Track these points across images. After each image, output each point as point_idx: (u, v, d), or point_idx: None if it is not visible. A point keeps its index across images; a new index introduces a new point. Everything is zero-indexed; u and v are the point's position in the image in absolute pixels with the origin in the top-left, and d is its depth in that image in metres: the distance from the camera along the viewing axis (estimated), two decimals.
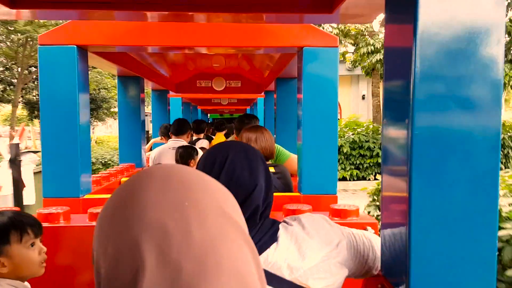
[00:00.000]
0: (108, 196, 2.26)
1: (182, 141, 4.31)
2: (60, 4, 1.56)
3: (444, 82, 1.01)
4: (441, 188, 1.02)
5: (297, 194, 2.55)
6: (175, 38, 2.52)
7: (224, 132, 7.27)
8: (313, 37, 2.50)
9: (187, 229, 0.49)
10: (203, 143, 5.89)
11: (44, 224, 1.95)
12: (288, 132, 4.11)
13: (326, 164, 2.50)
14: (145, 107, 4.39)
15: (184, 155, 3.55)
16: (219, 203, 0.55)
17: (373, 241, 1.29)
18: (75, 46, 2.44)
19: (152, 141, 5.82)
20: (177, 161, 3.55)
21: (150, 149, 5.74)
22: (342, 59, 12.93)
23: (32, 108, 17.17)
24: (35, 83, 16.46)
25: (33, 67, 15.57)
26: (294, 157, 3.32)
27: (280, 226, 1.17)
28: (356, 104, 23.32)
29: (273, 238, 1.12)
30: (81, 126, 2.47)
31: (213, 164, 1.17)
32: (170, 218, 0.49)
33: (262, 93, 5.87)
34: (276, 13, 1.66)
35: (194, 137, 6.17)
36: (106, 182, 3.12)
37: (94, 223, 1.95)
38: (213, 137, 6.98)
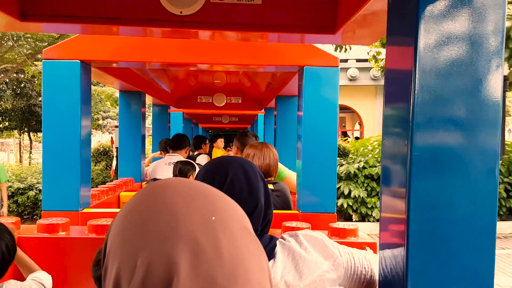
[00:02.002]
0: (108, 210, 2.26)
1: (179, 156, 4.32)
2: (67, 18, 1.58)
3: (444, 104, 1.02)
4: (439, 209, 1.03)
5: (296, 212, 2.55)
6: (177, 55, 2.55)
7: (221, 141, 7.31)
8: (314, 57, 2.53)
9: (217, 243, 0.50)
10: (203, 158, 5.89)
11: (44, 235, 1.96)
12: (288, 149, 4.12)
13: (325, 182, 2.51)
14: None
15: (183, 170, 3.55)
16: (239, 218, 0.57)
17: (373, 263, 1.28)
18: (79, 61, 2.47)
19: (151, 155, 5.83)
20: (175, 176, 3.54)
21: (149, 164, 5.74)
22: (373, 61, 10.84)
23: (3, 118, 15.69)
24: (18, 90, 15.14)
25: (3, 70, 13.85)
26: (292, 175, 3.32)
27: (278, 242, 1.17)
28: (382, 119, 19.99)
29: (271, 255, 1.12)
30: (82, 140, 2.48)
31: (212, 183, 1.14)
32: (200, 232, 0.51)
33: (263, 110, 5.89)
34: (279, 33, 1.69)
35: (196, 152, 6.17)
36: (105, 196, 3.11)
37: (93, 235, 1.96)
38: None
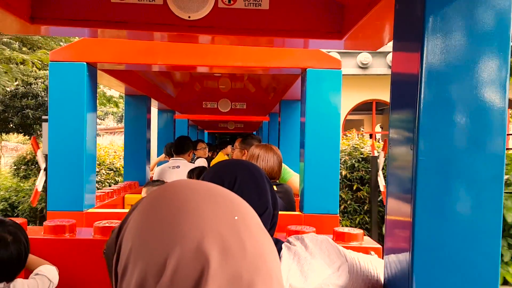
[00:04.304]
0: (113, 210, 2.26)
1: (183, 160, 4.35)
2: (76, 22, 1.60)
3: (450, 109, 1.02)
4: (445, 214, 1.03)
5: (299, 213, 2.56)
6: (181, 57, 2.57)
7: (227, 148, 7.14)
8: (317, 59, 2.54)
9: (241, 241, 0.53)
10: (201, 162, 5.89)
11: (51, 237, 1.97)
12: (292, 152, 4.14)
13: (328, 184, 2.51)
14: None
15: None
16: (256, 217, 0.60)
17: (378, 268, 1.28)
18: (85, 63, 2.49)
19: (156, 159, 5.84)
20: None
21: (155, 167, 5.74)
22: None
23: None
24: None
25: None
26: (296, 177, 3.32)
27: (283, 245, 1.17)
28: None
29: None
30: (87, 141, 2.50)
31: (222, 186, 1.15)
32: (226, 230, 0.53)
33: (267, 116, 5.90)
34: (286, 38, 1.70)
35: (195, 157, 6.16)
36: (109, 198, 3.13)
37: (99, 237, 1.97)
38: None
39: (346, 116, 13.91)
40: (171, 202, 0.56)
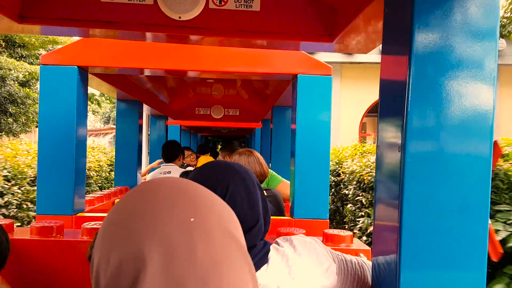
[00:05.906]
0: (102, 214, 2.24)
1: (174, 166, 4.39)
2: (65, 21, 1.60)
3: (437, 112, 1.03)
4: (432, 216, 1.03)
5: (289, 218, 2.56)
6: (173, 62, 2.57)
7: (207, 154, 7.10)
8: (308, 65, 2.56)
9: (192, 247, 0.49)
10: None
11: (38, 238, 1.95)
12: (283, 159, 4.15)
13: (318, 189, 2.52)
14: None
15: None
16: (224, 222, 0.55)
17: (366, 270, 1.28)
18: (76, 66, 2.48)
19: (149, 166, 5.83)
20: None
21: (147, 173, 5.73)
22: None
23: None
24: None
25: None
26: (285, 182, 3.36)
27: (271, 247, 1.16)
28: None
29: (264, 259, 1.12)
30: (77, 145, 2.48)
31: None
32: (176, 233, 0.50)
33: (260, 123, 5.92)
34: (277, 40, 1.71)
35: (185, 164, 6.15)
36: (99, 202, 3.11)
37: (87, 238, 1.95)
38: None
39: (365, 113, 12.33)
40: (132, 202, 0.55)
